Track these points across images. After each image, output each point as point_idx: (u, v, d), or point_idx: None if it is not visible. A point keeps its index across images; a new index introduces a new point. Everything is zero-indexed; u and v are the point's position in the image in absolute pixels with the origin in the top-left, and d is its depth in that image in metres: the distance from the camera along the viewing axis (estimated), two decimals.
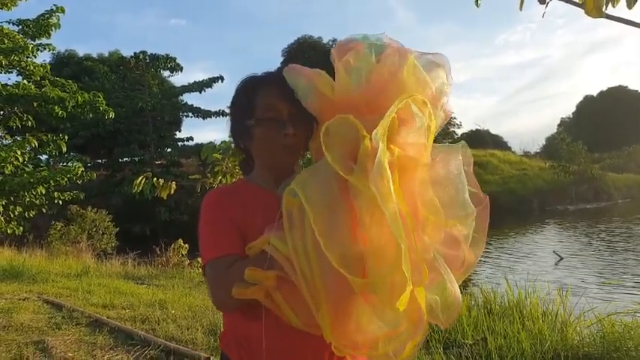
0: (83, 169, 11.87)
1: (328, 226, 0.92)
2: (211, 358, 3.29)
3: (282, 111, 1.15)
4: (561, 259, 11.68)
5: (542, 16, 2.30)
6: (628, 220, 18.11)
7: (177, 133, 28.92)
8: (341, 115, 0.97)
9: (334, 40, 30.07)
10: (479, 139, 36.33)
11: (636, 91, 42.32)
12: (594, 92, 44.29)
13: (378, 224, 0.89)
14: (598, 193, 26.64)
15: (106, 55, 31.15)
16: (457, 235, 1.01)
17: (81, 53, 30.24)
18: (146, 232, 21.23)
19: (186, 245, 10.12)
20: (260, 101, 1.17)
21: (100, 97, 12.19)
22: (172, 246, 10.14)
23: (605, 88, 43.49)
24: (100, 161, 27.36)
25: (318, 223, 0.91)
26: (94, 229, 13.90)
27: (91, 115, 12.36)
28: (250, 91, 1.20)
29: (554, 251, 12.44)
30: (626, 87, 42.58)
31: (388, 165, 0.88)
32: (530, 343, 3.33)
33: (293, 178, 1.01)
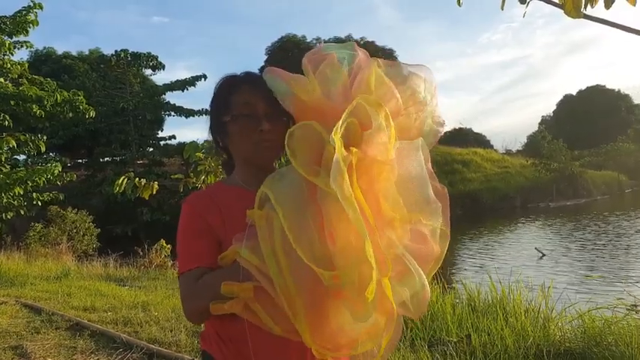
0: (61, 169, 11.61)
1: (297, 226, 0.95)
2: None
3: (257, 108, 1.18)
4: (543, 255, 11.88)
5: (523, 16, 2.33)
6: (606, 217, 18.52)
7: (159, 132, 28.59)
8: (305, 122, 1.02)
9: (318, 39, 30.07)
10: (462, 137, 36.74)
11: (613, 90, 43.36)
12: (574, 91, 45.21)
13: (343, 223, 0.92)
14: (578, 190, 27.22)
15: (87, 53, 30.64)
16: (423, 229, 1.03)
17: (60, 51, 29.69)
18: (128, 233, 20.95)
19: (169, 246, 9.99)
20: (236, 98, 1.19)
21: (80, 95, 11.96)
22: (155, 247, 10.03)
23: (584, 87, 44.41)
24: (80, 161, 26.89)
25: (287, 220, 0.94)
26: (75, 231, 13.64)
27: (70, 115, 12.11)
28: (227, 88, 1.22)
29: (536, 248, 12.64)
30: (604, 86, 43.56)
31: (348, 166, 0.91)
32: (513, 339, 3.36)
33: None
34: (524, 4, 2.30)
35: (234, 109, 1.19)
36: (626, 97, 43.24)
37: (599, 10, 1.89)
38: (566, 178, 27.41)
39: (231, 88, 1.21)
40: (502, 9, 2.11)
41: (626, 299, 5.11)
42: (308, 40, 29.72)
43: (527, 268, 10.12)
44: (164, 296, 5.65)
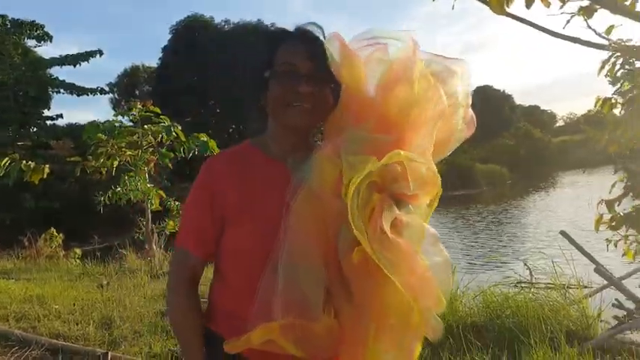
0: None
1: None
2: (109, 353, 3.00)
3: (300, 67, 1.07)
4: None
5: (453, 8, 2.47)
6: (494, 205, 20.58)
7: (44, 110, 25.74)
8: (326, 156, 1.00)
9: (227, 21, 28.95)
10: None
11: (499, 90, 48.05)
12: None
13: None
14: (466, 182, 29.77)
15: None
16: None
17: None
18: (6, 222, 18.72)
19: (61, 235, 9.23)
20: (281, 53, 1.10)
21: None
22: (43, 236, 9.14)
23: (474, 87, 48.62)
24: None
25: None
26: None
27: None
28: (273, 41, 1.12)
29: None
30: (492, 86, 47.96)
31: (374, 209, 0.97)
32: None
33: (304, 157, 1.03)
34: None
35: (276, 65, 1.08)
36: (509, 98, 48.18)
37: (519, 8, 2.10)
38: (456, 170, 29.82)
39: (277, 42, 1.11)
40: None
41: (512, 277, 5.75)
42: (216, 22, 28.59)
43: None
44: (63, 288, 5.13)
